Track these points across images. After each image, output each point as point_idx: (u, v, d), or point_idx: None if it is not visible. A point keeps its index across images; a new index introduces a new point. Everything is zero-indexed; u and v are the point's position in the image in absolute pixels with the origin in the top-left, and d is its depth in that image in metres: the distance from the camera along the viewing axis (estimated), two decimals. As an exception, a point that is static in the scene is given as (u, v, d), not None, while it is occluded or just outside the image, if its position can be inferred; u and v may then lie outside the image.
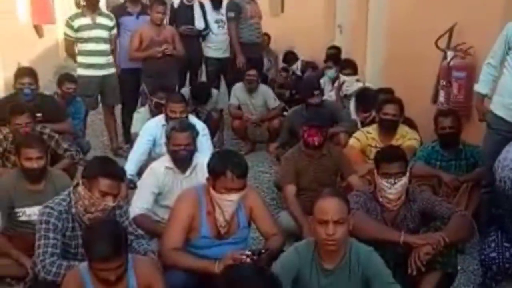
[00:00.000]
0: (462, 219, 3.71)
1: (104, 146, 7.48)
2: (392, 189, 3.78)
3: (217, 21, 7.76)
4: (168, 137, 4.45)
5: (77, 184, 3.53)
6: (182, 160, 4.42)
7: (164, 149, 5.22)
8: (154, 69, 6.85)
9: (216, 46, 7.86)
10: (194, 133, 4.52)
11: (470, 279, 4.33)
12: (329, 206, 3.01)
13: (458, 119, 5.00)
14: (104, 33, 6.93)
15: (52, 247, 3.35)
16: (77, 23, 6.86)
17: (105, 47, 6.98)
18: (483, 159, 4.80)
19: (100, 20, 6.91)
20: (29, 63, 8.38)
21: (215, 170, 3.50)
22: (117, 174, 3.46)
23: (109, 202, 3.38)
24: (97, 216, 3.39)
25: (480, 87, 4.82)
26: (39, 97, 5.74)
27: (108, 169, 3.41)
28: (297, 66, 9.13)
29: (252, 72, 7.19)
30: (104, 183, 3.35)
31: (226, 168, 3.44)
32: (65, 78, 6.59)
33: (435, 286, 3.63)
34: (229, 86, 7.99)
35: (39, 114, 5.27)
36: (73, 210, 3.45)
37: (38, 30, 10.97)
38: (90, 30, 6.85)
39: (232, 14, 7.66)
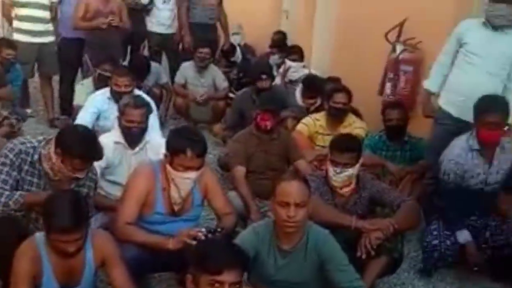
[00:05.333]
0: (411, 208, 3.85)
1: (39, 116, 7.25)
2: (337, 177, 3.88)
3: (162, -4, 7.66)
4: (121, 112, 4.37)
5: (49, 141, 3.39)
6: (134, 136, 4.37)
7: (108, 122, 5.17)
8: (98, 41, 6.69)
9: (159, 21, 7.77)
10: (148, 110, 4.46)
11: (411, 264, 4.48)
12: (291, 189, 3.05)
13: (405, 112, 5.17)
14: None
15: (1, 182, 3.31)
16: None
17: (44, 14, 6.77)
18: (428, 152, 4.97)
19: None
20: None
21: (175, 147, 3.46)
22: (96, 157, 3.36)
23: (80, 175, 3.30)
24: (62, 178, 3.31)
25: (429, 85, 4.96)
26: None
27: (90, 153, 3.29)
28: (238, 55, 9.06)
29: (205, 50, 7.10)
30: (80, 162, 3.25)
31: (187, 146, 3.42)
32: (4, 44, 6.35)
33: (381, 270, 3.76)
34: (171, 62, 7.92)
35: None
36: (36, 156, 3.35)
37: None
38: None
39: None
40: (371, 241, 3.60)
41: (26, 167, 3.37)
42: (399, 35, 5.94)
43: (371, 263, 3.70)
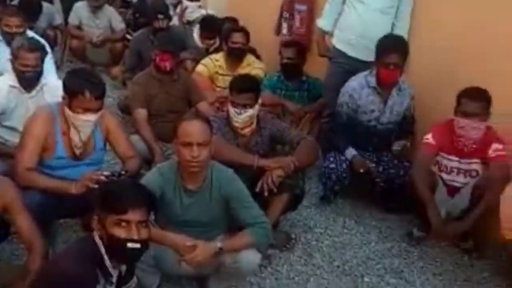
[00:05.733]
0: (310, 145, 3.99)
1: None
2: (238, 118, 3.95)
3: None
4: (14, 56, 4.16)
5: None
6: (29, 80, 4.20)
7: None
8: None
9: None
10: (43, 53, 4.28)
11: (312, 201, 4.69)
12: (193, 128, 3.08)
13: (300, 51, 5.28)
14: None
15: None
16: None
17: None
18: (324, 91, 5.13)
19: None
20: None
21: (72, 89, 3.39)
22: None
23: None
24: None
25: (322, 24, 5.08)
26: None
27: None
28: None
29: None
30: None
31: (84, 87, 3.36)
32: None
33: (284, 206, 3.92)
34: (64, 3, 7.61)
35: None
36: None
37: None
38: None
39: None
40: (273, 179, 3.73)
41: None
42: (291, -26, 5.99)
43: (274, 200, 3.85)
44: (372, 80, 4.36)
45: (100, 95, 3.43)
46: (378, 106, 4.40)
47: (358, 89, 4.37)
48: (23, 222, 3.02)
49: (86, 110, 3.40)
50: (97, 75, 3.65)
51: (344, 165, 4.36)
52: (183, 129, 3.10)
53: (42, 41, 4.80)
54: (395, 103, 4.42)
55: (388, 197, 4.56)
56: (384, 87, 4.36)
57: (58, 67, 6.72)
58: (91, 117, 3.44)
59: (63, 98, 3.47)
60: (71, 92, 3.40)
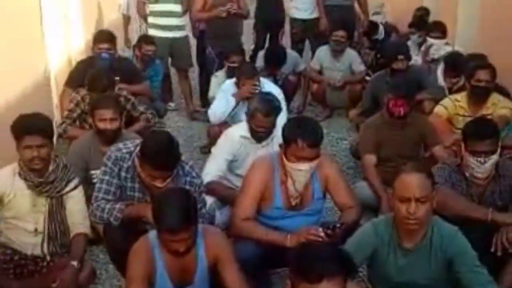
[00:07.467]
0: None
1: (181, 109, 7.39)
2: (481, 168, 3.54)
3: (304, -20, 7.49)
4: (251, 115, 4.25)
5: None
6: (261, 138, 4.30)
7: (241, 116, 5.10)
8: (219, 31, 6.65)
9: (302, 6, 7.59)
10: (278, 113, 4.32)
11: None
12: (412, 182, 2.80)
13: None
14: None
15: (104, 193, 3.43)
16: None
17: (176, 7, 6.88)
18: None
19: None
20: (108, 25, 8.41)
21: (287, 137, 3.36)
22: (169, 166, 3.25)
23: (158, 184, 3.23)
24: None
25: None
26: (116, 60, 5.72)
27: (160, 161, 3.20)
28: (380, 32, 8.64)
29: (340, 33, 6.81)
30: (152, 169, 3.22)
31: (297, 135, 3.29)
32: (143, 40, 6.57)
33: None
34: (314, 48, 7.73)
35: (116, 78, 5.19)
36: (130, 162, 3.39)
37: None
38: None
39: None
40: (509, 236, 3.27)
41: (124, 174, 3.43)
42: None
43: (510, 262, 3.33)
44: None
45: (313, 144, 3.32)
46: None
47: None
48: (232, 274, 3.00)
49: (300, 158, 3.32)
50: (314, 123, 3.52)
51: None
52: (401, 183, 2.84)
53: (278, 92, 4.84)
54: None
55: None
56: None
57: (300, 112, 6.87)
58: (304, 166, 3.35)
59: (280, 146, 3.44)
60: (286, 140, 3.38)
